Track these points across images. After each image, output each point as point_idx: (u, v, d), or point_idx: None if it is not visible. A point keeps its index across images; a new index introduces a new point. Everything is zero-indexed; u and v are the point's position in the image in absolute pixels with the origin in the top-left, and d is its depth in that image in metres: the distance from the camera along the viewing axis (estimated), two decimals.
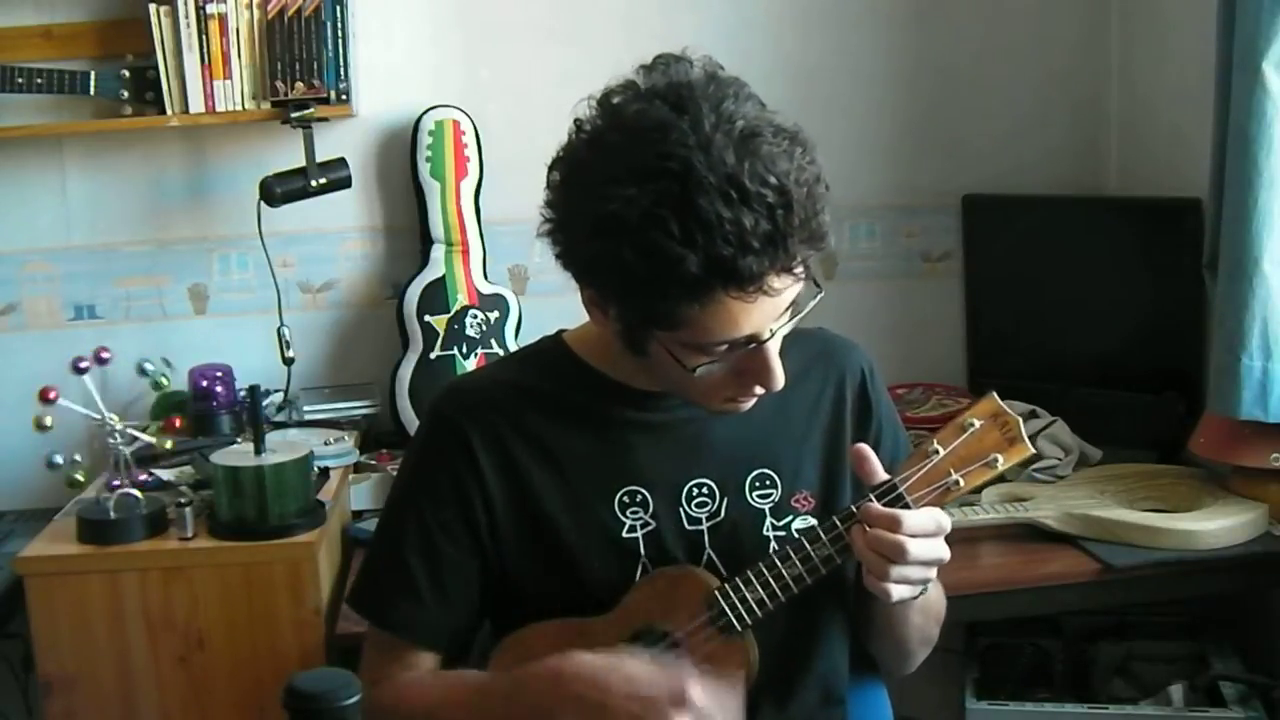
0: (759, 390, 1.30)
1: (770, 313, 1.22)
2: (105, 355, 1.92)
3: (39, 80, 2.33)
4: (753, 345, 1.24)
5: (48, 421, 1.94)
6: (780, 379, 1.27)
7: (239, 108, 2.39)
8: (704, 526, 1.39)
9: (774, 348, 1.26)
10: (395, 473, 1.57)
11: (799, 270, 1.21)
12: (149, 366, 1.93)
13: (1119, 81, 2.70)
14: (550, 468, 1.38)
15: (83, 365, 1.91)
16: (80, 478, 2.01)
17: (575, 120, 1.27)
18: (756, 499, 1.40)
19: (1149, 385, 2.38)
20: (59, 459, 1.97)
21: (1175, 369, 2.37)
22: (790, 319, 1.26)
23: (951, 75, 2.69)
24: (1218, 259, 2.06)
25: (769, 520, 1.40)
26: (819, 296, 1.28)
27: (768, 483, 1.41)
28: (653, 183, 1.15)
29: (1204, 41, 2.09)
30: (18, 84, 2.32)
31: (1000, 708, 2.09)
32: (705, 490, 1.39)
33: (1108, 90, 2.71)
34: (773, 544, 1.39)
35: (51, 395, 1.92)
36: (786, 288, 1.21)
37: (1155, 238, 2.41)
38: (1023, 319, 2.63)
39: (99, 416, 1.94)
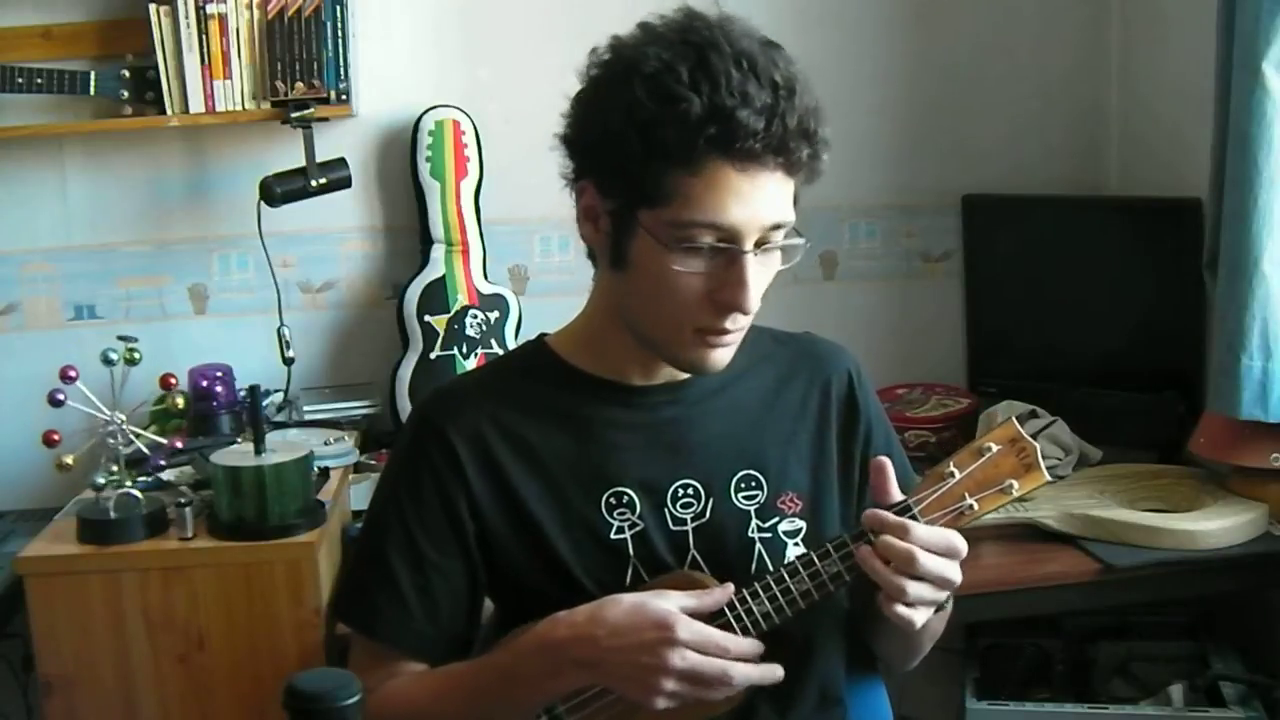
0: (730, 321, 1.28)
1: (759, 212, 1.24)
2: (72, 374, 1.90)
3: (39, 80, 2.33)
4: (732, 255, 1.25)
5: (69, 461, 1.93)
6: (753, 299, 1.27)
7: (239, 108, 2.39)
8: (689, 527, 1.38)
9: (752, 266, 1.26)
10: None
11: (793, 162, 1.24)
12: (112, 355, 1.90)
13: (1119, 81, 2.70)
14: (536, 471, 1.38)
15: (59, 397, 1.90)
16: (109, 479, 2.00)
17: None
18: (742, 500, 1.40)
19: (1149, 385, 2.38)
20: (100, 478, 1.96)
21: (1175, 369, 2.37)
22: (780, 254, 1.28)
23: (952, 75, 2.69)
24: (1218, 259, 2.06)
25: (754, 522, 1.40)
26: (805, 243, 1.30)
27: (753, 484, 1.40)
28: (673, 47, 1.24)
29: (1204, 41, 2.09)
30: (18, 84, 2.32)
31: (1000, 708, 2.08)
32: (691, 491, 1.39)
33: (1108, 90, 2.71)
34: (758, 545, 1.39)
35: (60, 396, 1.91)
36: (778, 184, 1.24)
37: (1155, 238, 2.41)
38: (1023, 319, 2.63)
39: (105, 414, 1.93)
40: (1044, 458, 2.19)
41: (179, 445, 2.05)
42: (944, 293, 2.75)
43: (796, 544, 1.40)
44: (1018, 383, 2.52)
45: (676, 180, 1.23)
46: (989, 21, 2.68)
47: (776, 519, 1.40)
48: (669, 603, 1.25)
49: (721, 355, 1.33)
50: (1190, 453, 2.20)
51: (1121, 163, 2.71)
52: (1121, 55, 2.68)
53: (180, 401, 2.14)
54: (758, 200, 1.24)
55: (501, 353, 2.51)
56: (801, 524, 1.41)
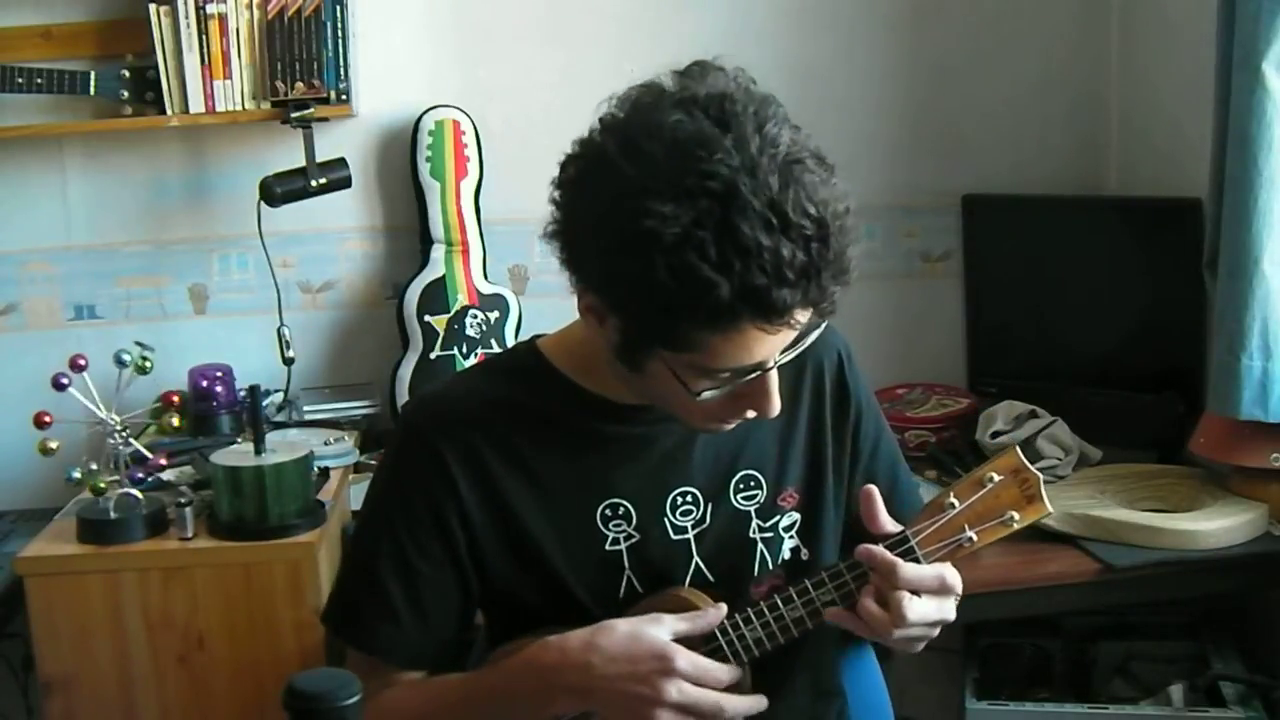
0: (750, 414, 1.26)
1: (783, 343, 1.20)
2: (82, 363, 1.90)
3: (39, 80, 2.33)
4: (756, 373, 1.21)
5: (52, 445, 1.93)
6: (776, 407, 1.24)
7: (239, 108, 2.39)
8: (690, 535, 1.37)
9: (774, 375, 1.22)
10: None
11: (826, 304, 1.18)
12: (125, 356, 1.91)
13: (1119, 81, 2.69)
14: (528, 483, 1.34)
15: (64, 381, 1.91)
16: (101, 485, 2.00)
17: (600, 120, 1.20)
18: (741, 501, 1.39)
19: (1149, 385, 2.38)
20: (76, 473, 1.96)
21: (1175, 369, 2.37)
22: (794, 348, 1.23)
23: (951, 75, 2.69)
24: (1218, 259, 2.05)
25: (755, 522, 1.39)
26: (822, 326, 1.25)
27: (752, 484, 1.39)
28: (693, 201, 1.09)
29: (1204, 42, 2.09)
30: (18, 84, 2.33)
31: (1000, 708, 2.08)
32: (690, 498, 1.37)
33: (1108, 90, 2.71)
34: (759, 545, 1.38)
35: (65, 380, 1.91)
36: (805, 316, 1.19)
37: (1155, 238, 2.41)
38: (1023, 319, 2.63)
39: (100, 415, 1.93)
40: (1044, 458, 2.24)
41: (163, 462, 2.04)
42: (944, 293, 2.75)
43: (792, 536, 1.40)
44: (1017, 383, 2.52)
45: (701, 338, 1.15)
46: (989, 22, 2.68)
47: (777, 516, 1.40)
48: (664, 630, 1.23)
49: (731, 426, 1.30)
50: (1190, 453, 2.20)
51: (1121, 163, 2.70)
52: (1121, 55, 2.68)
53: (176, 421, 2.12)
54: (785, 337, 1.19)
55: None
56: (797, 516, 1.40)
